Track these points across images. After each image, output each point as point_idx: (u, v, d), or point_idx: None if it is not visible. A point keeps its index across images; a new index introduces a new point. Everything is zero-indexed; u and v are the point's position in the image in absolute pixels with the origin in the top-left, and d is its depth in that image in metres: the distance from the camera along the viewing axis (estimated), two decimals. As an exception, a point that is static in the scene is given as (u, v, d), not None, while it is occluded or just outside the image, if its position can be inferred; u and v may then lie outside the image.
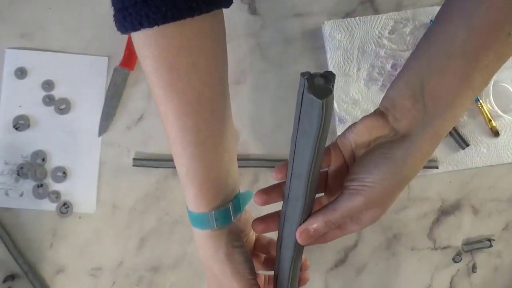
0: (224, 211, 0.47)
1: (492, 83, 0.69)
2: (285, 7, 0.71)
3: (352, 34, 0.70)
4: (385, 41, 0.70)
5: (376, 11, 0.71)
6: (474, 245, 0.70)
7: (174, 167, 0.68)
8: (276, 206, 0.47)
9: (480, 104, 0.70)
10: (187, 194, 0.48)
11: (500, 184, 0.71)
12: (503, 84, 0.70)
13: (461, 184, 0.71)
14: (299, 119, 0.39)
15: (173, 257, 0.68)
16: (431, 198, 0.70)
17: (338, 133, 0.70)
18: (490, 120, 0.70)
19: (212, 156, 0.46)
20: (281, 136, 0.69)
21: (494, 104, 0.68)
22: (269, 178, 0.69)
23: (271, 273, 0.52)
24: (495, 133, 0.69)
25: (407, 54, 0.70)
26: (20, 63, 0.68)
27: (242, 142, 0.69)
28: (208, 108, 0.45)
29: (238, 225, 0.50)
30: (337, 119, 0.70)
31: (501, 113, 0.68)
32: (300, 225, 0.44)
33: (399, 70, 0.69)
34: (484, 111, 0.70)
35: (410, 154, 0.42)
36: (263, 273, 0.55)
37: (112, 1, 0.43)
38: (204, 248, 0.48)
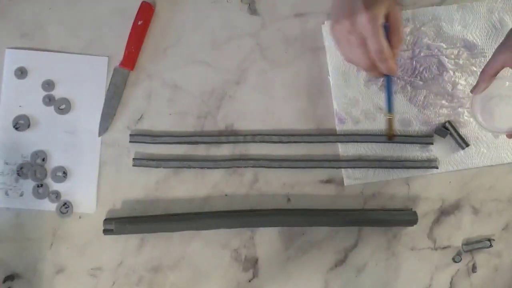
0: None
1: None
2: (285, 7, 0.71)
3: (352, 34, 0.70)
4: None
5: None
6: (474, 245, 0.70)
7: (174, 167, 0.68)
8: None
9: (390, 116, 0.66)
10: None
11: (500, 184, 0.71)
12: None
13: (461, 184, 0.71)
14: None
15: (173, 257, 0.68)
16: (431, 198, 0.70)
17: (338, 133, 0.70)
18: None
19: None
20: (281, 136, 0.69)
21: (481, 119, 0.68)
22: (269, 178, 0.69)
23: None
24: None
25: (407, 54, 0.70)
26: (20, 63, 0.68)
27: (242, 142, 0.69)
28: None
29: None
30: (337, 119, 0.70)
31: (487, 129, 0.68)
32: None
33: (399, 70, 0.70)
34: (390, 123, 0.65)
35: None
36: None
37: None
38: None
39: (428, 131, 0.70)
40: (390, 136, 0.65)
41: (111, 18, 0.70)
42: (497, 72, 0.63)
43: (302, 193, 0.69)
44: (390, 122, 0.64)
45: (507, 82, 0.67)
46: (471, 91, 0.65)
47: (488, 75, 0.63)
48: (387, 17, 0.58)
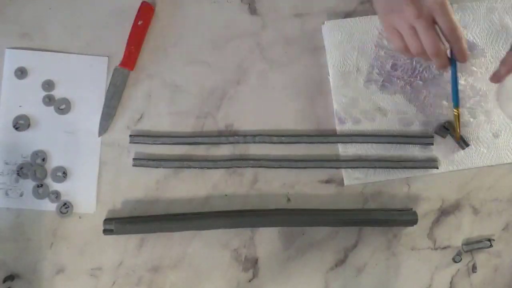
0: None
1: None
2: (285, 7, 0.71)
3: (352, 34, 0.70)
4: (385, 41, 0.70)
5: (376, 11, 0.71)
6: (474, 245, 0.70)
7: (174, 167, 0.68)
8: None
9: (456, 111, 0.66)
10: None
11: (500, 184, 0.71)
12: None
13: (461, 184, 0.71)
14: None
15: (173, 257, 0.68)
16: (431, 198, 0.70)
17: (338, 133, 0.70)
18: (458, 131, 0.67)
19: None
20: (281, 136, 0.69)
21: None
22: (269, 178, 0.69)
23: None
24: (465, 144, 0.69)
25: (407, 54, 0.70)
26: (20, 63, 0.68)
27: (242, 142, 0.69)
28: None
29: None
30: (337, 119, 0.70)
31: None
32: None
33: (399, 70, 0.70)
34: (457, 120, 0.66)
35: None
36: None
37: None
38: None
39: (428, 131, 0.70)
40: (458, 138, 0.64)
41: (111, 18, 0.70)
42: None
43: (302, 193, 0.69)
44: (456, 119, 0.60)
45: None
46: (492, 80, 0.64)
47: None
48: None
